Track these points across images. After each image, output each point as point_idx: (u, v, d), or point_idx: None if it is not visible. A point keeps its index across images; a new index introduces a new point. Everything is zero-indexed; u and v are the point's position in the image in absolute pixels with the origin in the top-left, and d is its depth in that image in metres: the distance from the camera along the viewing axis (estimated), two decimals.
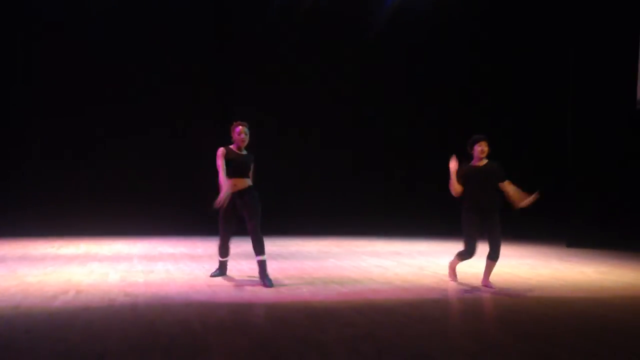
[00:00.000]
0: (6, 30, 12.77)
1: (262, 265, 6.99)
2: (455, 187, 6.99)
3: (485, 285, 7.05)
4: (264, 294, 6.43)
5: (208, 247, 10.69)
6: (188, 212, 12.60)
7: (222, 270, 7.51)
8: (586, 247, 11.12)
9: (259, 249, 6.96)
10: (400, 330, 5.06)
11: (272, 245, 11.20)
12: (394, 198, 14.27)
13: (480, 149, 6.95)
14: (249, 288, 6.73)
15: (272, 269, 8.13)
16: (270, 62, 13.90)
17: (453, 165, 6.99)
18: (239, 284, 6.95)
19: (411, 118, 14.48)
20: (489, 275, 7.09)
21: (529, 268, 8.66)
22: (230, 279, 7.31)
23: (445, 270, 7.99)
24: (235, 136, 7.14)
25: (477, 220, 6.85)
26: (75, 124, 13.01)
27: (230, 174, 6.95)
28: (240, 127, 7.14)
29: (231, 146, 7.15)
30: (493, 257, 6.92)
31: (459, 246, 10.93)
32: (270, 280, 6.94)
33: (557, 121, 12.95)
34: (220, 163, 6.95)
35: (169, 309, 5.64)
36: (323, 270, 8.16)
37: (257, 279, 7.11)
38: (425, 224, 13.73)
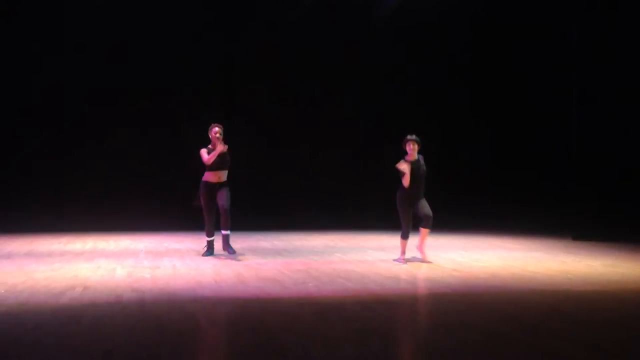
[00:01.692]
0: (7, 31, 12.80)
1: (226, 237, 8.44)
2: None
3: (420, 250, 8.47)
4: (270, 289, 6.44)
5: (214, 242, 10.68)
6: (194, 208, 12.59)
7: (210, 249, 8.74)
8: (592, 240, 11.07)
9: (226, 225, 8.40)
10: (407, 324, 5.06)
11: (277, 240, 11.21)
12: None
13: (412, 147, 8.19)
14: (254, 283, 6.74)
15: (277, 264, 8.15)
16: (271, 61, 13.90)
17: (405, 166, 8.08)
18: (245, 279, 6.96)
19: (413, 116, 14.42)
20: (424, 242, 8.46)
21: (536, 261, 8.64)
22: (236, 274, 7.32)
23: (450, 264, 8.22)
24: (212, 135, 8.39)
25: (411, 206, 8.23)
26: (79, 119, 13.02)
27: (212, 167, 8.32)
28: (216, 128, 8.40)
29: (209, 145, 8.42)
30: (428, 226, 8.26)
31: (462, 240, 11.21)
32: (232, 248, 8.46)
33: (561, 113, 12.88)
34: (208, 156, 8.33)
35: (176, 304, 5.65)
36: (329, 265, 8.16)
37: (262, 274, 7.27)
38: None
